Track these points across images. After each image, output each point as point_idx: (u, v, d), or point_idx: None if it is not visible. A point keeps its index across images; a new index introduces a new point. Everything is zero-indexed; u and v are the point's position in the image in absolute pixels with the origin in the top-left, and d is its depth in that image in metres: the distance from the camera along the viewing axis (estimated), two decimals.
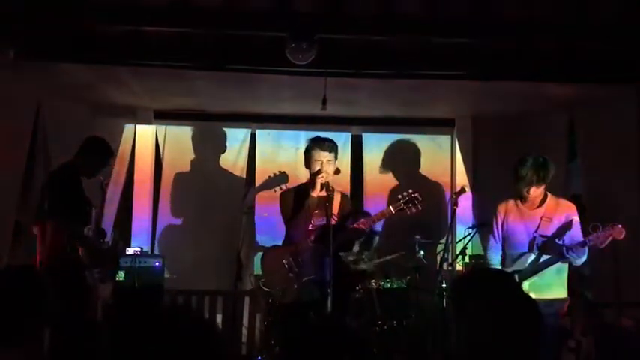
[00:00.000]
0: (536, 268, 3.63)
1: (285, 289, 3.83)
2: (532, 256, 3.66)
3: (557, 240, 3.62)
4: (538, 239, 3.66)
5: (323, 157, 3.98)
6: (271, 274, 3.98)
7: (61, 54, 4.23)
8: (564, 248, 3.52)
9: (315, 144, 4.05)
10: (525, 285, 3.59)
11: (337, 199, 4.04)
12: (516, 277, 3.62)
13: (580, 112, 5.41)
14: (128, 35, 4.24)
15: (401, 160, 5.98)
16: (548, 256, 3.63)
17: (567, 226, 3.65)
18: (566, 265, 3.71)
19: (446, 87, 4.96)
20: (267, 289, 4.01)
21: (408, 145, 6.01)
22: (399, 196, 3.92)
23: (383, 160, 5.96)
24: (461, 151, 5.91)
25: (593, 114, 5.28)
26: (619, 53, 4.33)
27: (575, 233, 3.65)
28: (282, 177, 5.69)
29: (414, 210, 3.88)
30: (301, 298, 3.80)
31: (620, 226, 3.45)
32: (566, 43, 4.28)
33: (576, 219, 3.70)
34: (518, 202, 3.80)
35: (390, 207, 3.91)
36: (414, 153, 5.98)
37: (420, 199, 3.88)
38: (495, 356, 1.53)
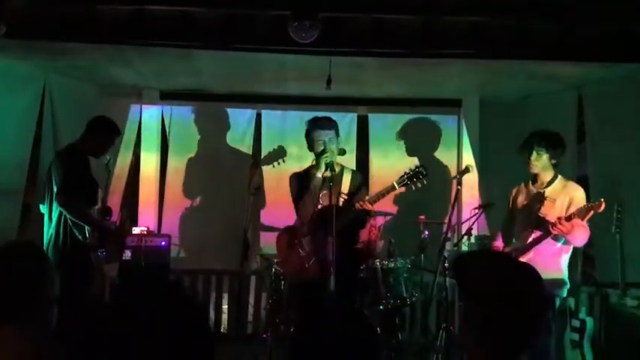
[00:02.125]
0: (529, 245, 3.64)
1: (297, 269, 3.84)
2: (527, 234, 3.67)
3: (538, 213, 3.63)
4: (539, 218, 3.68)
5: (324, 135, 3.97)
6: (284, 254, 4.01)
7: (65, 34, 4.22)
8: (550, 224, 3.52)
9: (314, 124, 4.04)
10: None
11: (347, 178, 4.03)
12: (513, 255, 3.65)
13: (589, 92, 5.35)
14: (132, 15, 4.23)
15: (418, 138, 5.95)
16: (538, 233, 3.63)
17: (541, 199, 3.63)
18: (569, 247, 3.69)
19: (453, 66, 4.91)
20: (281, 270, 4.04)
21: (430, 124, 5.97)
22: (404, 172, 3.84)
23: (404, 135, 5.92)
24: (468, 131, 5.87)
25: (602, 94, 5.22)
26: (628, 32, 4.26)
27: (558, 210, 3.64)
28: (280, 151, 5.72)
29: (418, 185, 3.77)
30: (311, 278, 3.80)
31: (602, 199, 3.45)
32: (574, 21, 4.21)
33: (577, 199, 3.68)
34: (529, 183, 3.83)
35: (394, 182, 3.83)
36: (434, 134, 5.94)
37: (425, 173, 3.77)
38: (495, 330, 1.54)
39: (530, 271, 1.61)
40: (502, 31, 4.31)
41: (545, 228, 3.57)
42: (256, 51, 4.37)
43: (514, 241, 3.84)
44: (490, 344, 1.54)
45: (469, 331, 1.59)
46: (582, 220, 3.49)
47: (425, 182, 3.79)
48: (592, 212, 3.47)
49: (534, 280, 1.60)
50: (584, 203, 3.64)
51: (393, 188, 3.80)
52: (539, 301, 1.58)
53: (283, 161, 5.76)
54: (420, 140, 5.94)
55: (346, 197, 3.97)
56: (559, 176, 3.77)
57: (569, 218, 3.48)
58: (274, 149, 5.78)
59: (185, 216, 5.89)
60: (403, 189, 4.01)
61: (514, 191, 3.93)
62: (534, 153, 3.67)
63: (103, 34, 4.24)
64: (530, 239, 3.67)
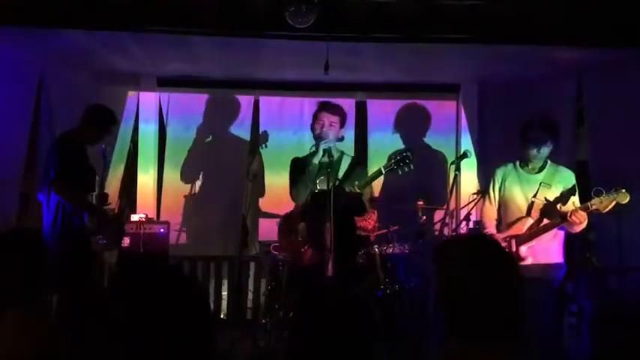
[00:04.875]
0: (534, 233, 3.62)
1: (293, 254, 3.86)
2: (530, 221, 3.65)
3: (558, 205, 3.60)
4: (537, 204, 3.65)
5: (326, 117, 3.98)
6: (283, 240, 4.06)
7: (60, 20, 4.18)
8: (568, 213, 3.51)
9: (321, 106, 4.05)
10: (523, 250, 3.60)
11: (345, 164, 4.04)
12: (513, 242, 3.63)
13: (588, 77, 5.32)
14: (129, 1, 4.20)
15: (409, 123, 5.93)
16: (547, 221, 3.62)
17: (571, 191, 3.62)
18: (562, 231, 3.70)
19: (451, 51, 4.88)
20: (279, 254, 4.07)
21: (419, 109, 5.95)
22: (391, 156, 3.91)
23: (395, 121, 5.91)
24: (466, 117, 5.86)
25: (601, 79, 5.19)
26: (628, 16, 4.23)
27: (576, 199, 3.63)
28: (263, 136, 5.74)
29: (405, 169, 3.81)
30: (307, 263, 3.81)
31: (624, 190, 3.41)
32: (574, 6, 4.18)
33: (570, 185, 3.67)
34: (518, 166, 3.79)
35: (381, 167, 3.86)
36: (424, 118, 5.93)
37: (412, 157, 3.80)
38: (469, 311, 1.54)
39: (505, 256, 1.61)
40: (501, 16, 4.28)
41: (561, 216, 3.55)
42: (253, 36, 4.34)
43: (498, 223, 3.84)
44: (466, 332, 1.54)
45: (446, 320, 1.58)
46: (603, 210, 3.46)
47: (412, 167, 3.82)
48: (615, 203, 3.43)
49: (509, 266, 1.59)
50: (577, 188, 3.64)
51: (380, 173, 3.86)
52: (514, 286, 1.57)
53: (265, 146, 5.73)
54: (421, 125, 5.92)
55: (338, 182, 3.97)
56: (548, 161, 3.76)
57: (586, 208, 3.46)
58: (261, 133, 5.76)
59: (184, 203, 5.88)
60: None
61: (500, 174, 3.85)
62: (543, 146, 3.65)
63: (99, 21, 4.20)
64: (530, 227, 3.65)
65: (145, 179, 5.87)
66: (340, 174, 3.99)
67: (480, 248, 1.62)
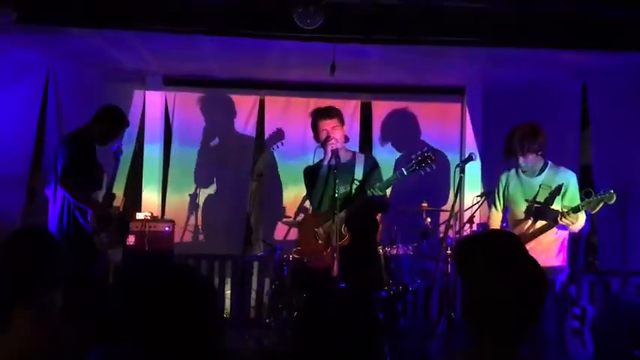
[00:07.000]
0: (532, 235, 3.64)
1: (316, 256, 3.93)
2: (529, 223, 3.68)
3: (550, 206, 3.62)
4: (534, 206, 3.68)
5: (327, 124, 4.01)
6: (304, 241, 4.12)
7: (67, 18, 4.21)
8: (559, 215, 3.52)
9: (316, 115, 4.10)
10: None
11: (360, 163, 4.07)
12: None
13: (593, 80, 5.33)
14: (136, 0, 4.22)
15: (398, 129, 5.94)
16: (543, 223, 3.63)
17: (557, 191, 3.63)
18: (566, 233, 3.71)
19: (457, 54, 4.89)
20: (299, 257, 4.13)
21: (405, 113, 5.96)
22: (412, 156, 3.79)
23: (381, 132, 5.92)
24: (471, 119, 5.87)
25: (606, 82, 5.20)
26: (633, 19, 4.23)
27: (571, 199, 3.64)
28: (278, 134, 5.71)
29: (427, 169, 3.73)
30: (328, 265, 3.83)
31: (612, 191, 3.43)
32: (578, 9, 4.18)
33: (572, 185, 3.69)
34: (520, 170, 3.82)
35: (403, 169, 3.79)
36: (412, 121, 5.93)
37: (434, 157, 3.72)
38: (495, 312, 1.55)
39: (529, 257, 1.63)
40: (505, 18, 4.29)
41: (552, 217, 3.57)
42: (261, 37, 4.36)
43: (506, 227, 3.86)
44: (489, 331, 1.54)
45: (468, 318, 1.59)
46: (592, 211, 3.48)
47: (434, 167, 3.74)
48: (603, 204, 3.46)
49: (533, 267, 1.61)
50: (577, 189, 3.66)
51: (402, 175, 3.77)
52: (537, 287, 1.59)
53: (282, 144, 5.71)
54: (410, 128, 5.90)
55: (358, 183, 4.00)
56: (549, 162, 3.78)
57: (577, 209, 3.48)
58: (274, 132, 5.74)
59: (188, 202, 5.90)
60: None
61: (503, 179, 3.92)
62: (521, 158, 3.67)
63: (106, 19, 4.22)
64: (528, 228, 3.67)
65: (150, 178, 5.89)
66: (357, 174, 4.01)
67: (501, 245, 1.63)
